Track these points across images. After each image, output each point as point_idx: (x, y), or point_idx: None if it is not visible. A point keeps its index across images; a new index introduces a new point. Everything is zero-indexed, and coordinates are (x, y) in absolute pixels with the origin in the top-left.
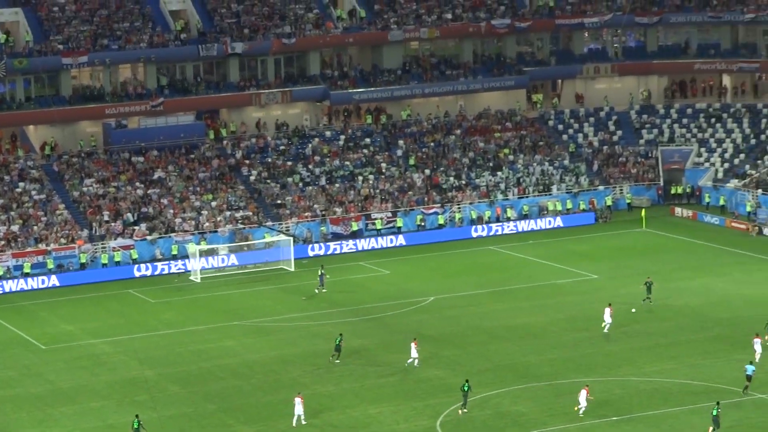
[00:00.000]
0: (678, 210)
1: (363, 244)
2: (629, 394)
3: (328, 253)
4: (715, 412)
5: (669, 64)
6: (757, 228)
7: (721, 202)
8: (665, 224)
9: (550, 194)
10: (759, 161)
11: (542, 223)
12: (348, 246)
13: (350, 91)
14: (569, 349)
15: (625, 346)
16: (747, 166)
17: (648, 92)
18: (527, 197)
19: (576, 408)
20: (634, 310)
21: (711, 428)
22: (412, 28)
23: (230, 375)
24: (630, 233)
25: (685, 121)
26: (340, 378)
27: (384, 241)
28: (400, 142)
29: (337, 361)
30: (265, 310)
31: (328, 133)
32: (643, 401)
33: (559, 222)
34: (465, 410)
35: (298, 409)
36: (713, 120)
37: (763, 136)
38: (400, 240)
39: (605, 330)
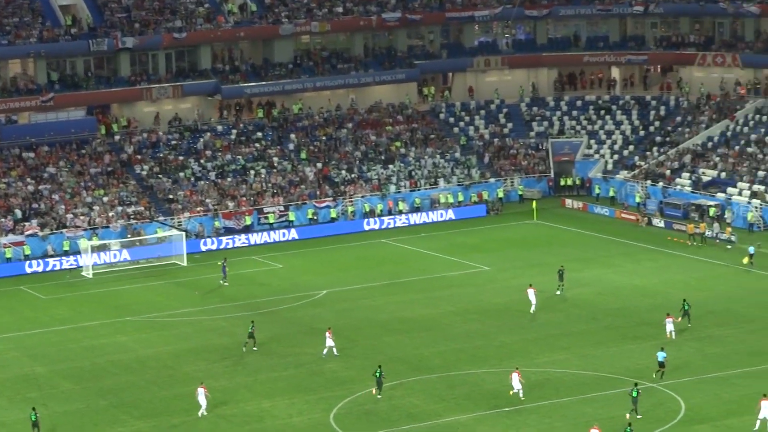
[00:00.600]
0: (569, 201)
1: (255, 238)
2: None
3: (221, 247)
4: (635, 394)
5: (558, 57)
6: (646, 219)
7: (611, 194)
8: (556, 216)
9: (441, 187)
10: (648, 153)
11: (434, 216)
12: (240, 240)
13: (242, 85)
14: (461, 341)
15: (517, 338)
16: (636, 158)
17: (533, 85)
18: (419, 190)
19: (511, 393)
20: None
21: (629, 412)
22: (303, 21)
23: (123, 370)
24: (521, 225)
25: (574, 113)
26: (233, 372)
27: (276, 235)
28: (292, 135)
29: (255, 348)
30: (158, 305)
31: (219, 128)
32: (535, 392)
33: (450, 214)
34: (379, 396)
35: (202, 399)
36: (602, 112)
37: (651, 128)
38: (293, 234)
39: (533, 310)
